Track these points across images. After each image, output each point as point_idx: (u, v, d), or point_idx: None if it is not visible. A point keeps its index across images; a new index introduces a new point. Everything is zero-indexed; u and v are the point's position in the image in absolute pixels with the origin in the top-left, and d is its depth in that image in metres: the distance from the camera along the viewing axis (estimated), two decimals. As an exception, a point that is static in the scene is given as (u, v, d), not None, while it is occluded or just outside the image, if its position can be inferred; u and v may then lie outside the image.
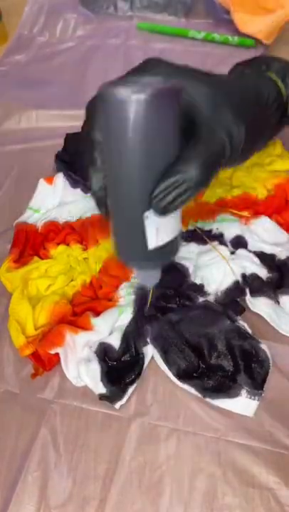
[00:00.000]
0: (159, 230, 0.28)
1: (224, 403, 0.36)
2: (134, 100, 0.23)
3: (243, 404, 0.35)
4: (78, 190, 0.51)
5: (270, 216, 0.46)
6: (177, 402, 0.36)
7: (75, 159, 0.54)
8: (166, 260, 0.32)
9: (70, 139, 0.57)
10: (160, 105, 0.24)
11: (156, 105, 0.24)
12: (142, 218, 0.27)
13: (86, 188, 0.51)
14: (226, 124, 0.28)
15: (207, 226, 0.46)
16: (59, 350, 0.38)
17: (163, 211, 0.27)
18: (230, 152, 0.29)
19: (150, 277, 0.34)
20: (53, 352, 0.38)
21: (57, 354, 0.38)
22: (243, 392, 0.35)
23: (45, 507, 0.32)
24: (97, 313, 0.40)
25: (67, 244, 0.45)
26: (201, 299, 0.40)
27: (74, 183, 0.51)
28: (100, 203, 0.31)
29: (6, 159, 0.57)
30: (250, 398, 0.35)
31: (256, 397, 0.35)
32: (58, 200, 0.50)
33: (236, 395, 0.35)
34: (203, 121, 0.28)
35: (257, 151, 0.35)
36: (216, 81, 0.30)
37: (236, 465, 0.33)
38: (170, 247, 0.30)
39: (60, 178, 0.51)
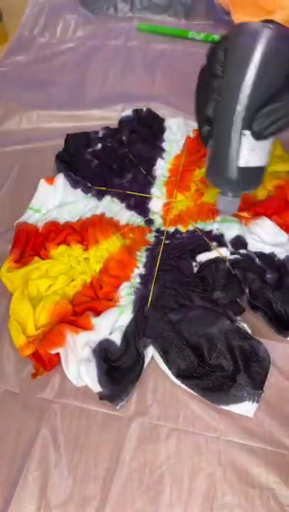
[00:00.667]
0: (252, 150, 0.33)
1: (224, 405, 0.36)
2: (264, 30, 0.30)
3: (243, 405, 0.35)
4: (78, 191, 0.51)
5: (270, 217, 0.46)
6: (177, 402, 0.37)
7: (75, 160, 0.54)
8: (248, 189, 0.37)
9: (71, 139, 0.57)
10: (282, 39, 0.31)
11: (279, 38, 0.31)
12: (240, 137, 0.33)
13: (86, 188, 0.51)
14: None
15: (207, 227, 0.47)
16: (60, 350, 0.38)
17: (259, 133, 0.32)
18: None
19: (230, 204, 0.38)
20: (53, 352, 0.38)
21: (57, 354, 0.38)
22: (244, 394, 0.35)
23: (45, 506, 0.32)
24: (98, 313, 0.40)
25: (68, 245, 0.45)
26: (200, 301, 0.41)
27: (74, 183, 0.51)
28: (204, 125, 0.35)
29: (6, 159, 0.57)
30: (250, 400, 0.35)
31: (256, 398, 0.35)
32: (58, 201, 0.50)
33: (236, 397, 0.36)
34: None
35: None
36: None
37: (236, 465, 0.33)
38: (255, 177, 0.36)
39: (60, 179, 0.51)
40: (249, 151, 0.34)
